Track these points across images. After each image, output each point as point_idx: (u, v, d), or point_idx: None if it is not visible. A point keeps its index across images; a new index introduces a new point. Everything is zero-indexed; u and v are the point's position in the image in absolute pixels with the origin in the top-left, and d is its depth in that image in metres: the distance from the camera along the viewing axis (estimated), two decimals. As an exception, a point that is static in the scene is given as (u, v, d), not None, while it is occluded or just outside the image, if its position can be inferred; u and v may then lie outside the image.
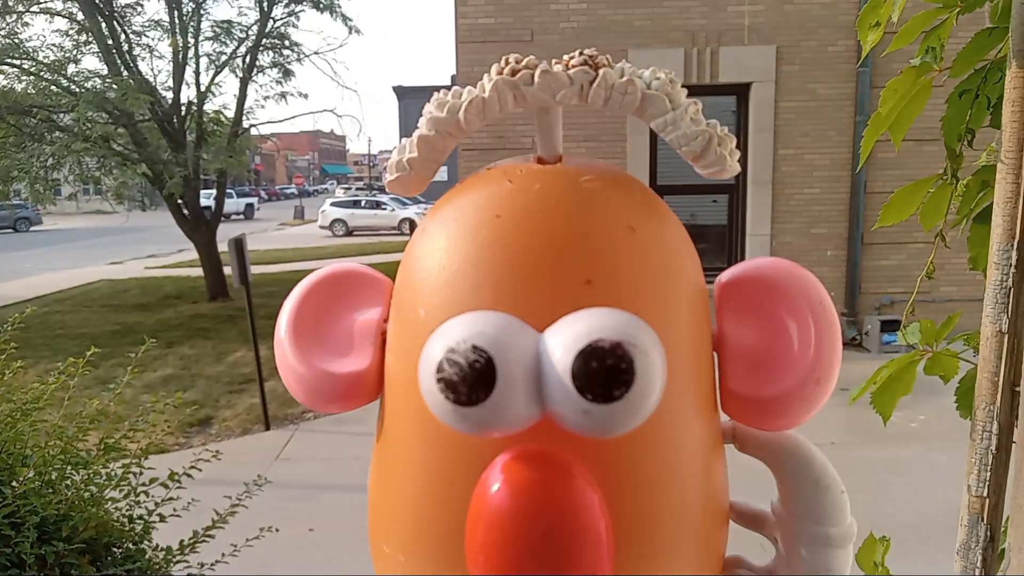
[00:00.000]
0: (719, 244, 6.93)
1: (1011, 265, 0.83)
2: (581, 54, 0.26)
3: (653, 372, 0.21)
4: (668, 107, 0.26)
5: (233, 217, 26.95)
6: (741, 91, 6.51)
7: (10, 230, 22.45)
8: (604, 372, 0.21)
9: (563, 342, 0.22)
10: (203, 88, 9.10)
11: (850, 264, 6.63)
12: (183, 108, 9.10)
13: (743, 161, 6.60)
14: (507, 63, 0.26)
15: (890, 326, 6.29)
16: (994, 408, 0.87)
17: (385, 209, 20.18)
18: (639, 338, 0.21)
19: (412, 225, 13.56)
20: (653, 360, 0.21)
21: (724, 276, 0.28)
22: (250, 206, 29.80)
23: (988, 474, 0.90)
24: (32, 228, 23.23)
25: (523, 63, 0.26)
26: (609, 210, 0.26)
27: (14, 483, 1.89)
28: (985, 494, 0.90)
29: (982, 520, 0.91)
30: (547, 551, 0.23)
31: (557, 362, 0.22)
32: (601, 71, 0.26)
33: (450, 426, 0.22)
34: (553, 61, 0.27)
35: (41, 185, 8.45)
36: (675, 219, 0.28)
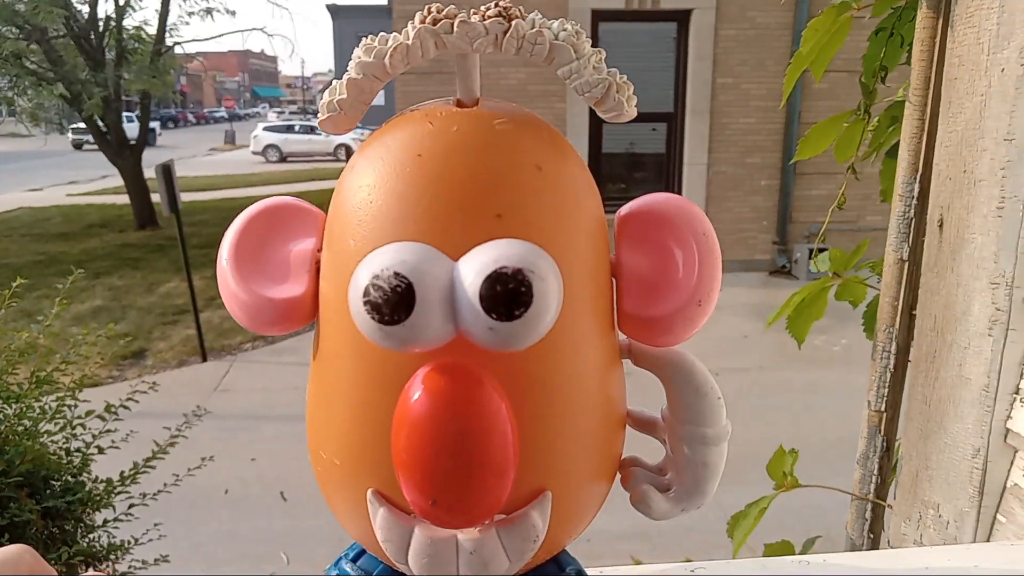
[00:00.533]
0: (657, 173, 7.00)
1: (913, 197, 0.88)
2: (496, 5, 0.28)
3: (549, 294, 0.24)
4: (573, 56, 0.28)
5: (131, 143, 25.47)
6: (681, 18, 6.48)
7: None
8: (506, 294, 0.24)
9: (473, 269, 0.25)
10: (121, 2, 8.59)
11: (782, 194, 6.80)
12: (101, 24, 8.58)
13: (682, 90, 6.62)
14: (428, 12, 0.28)
15: (818, 254, 6.50)
16: (893, 330, 0.93)
17: (320, 134, 19.65)
18: (538, 264, 0.24)
19: (348, 151, 13.24)
20: (549, 284, 0.24)
21: (623, 210, 0.32)
22: (151, 131, 27.53)
23: (886, 390, 0.97)
24: None
25: (443, 13, 0.28)
26: (519, 150, 0.29)
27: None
28: (883, 408, 0.98)
29: (879, 432, 0.99)
30: (461, 449, 0.26)
31: (468, 286, 0.25)
32: (514, 22, 0.28)
33: (376, 343, 0.25)
34: (471, 11, 0.29)
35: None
36: (579, 158, 0.31)
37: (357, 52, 0.29)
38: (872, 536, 0.94)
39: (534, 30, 0.28)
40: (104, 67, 8.29)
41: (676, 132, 6.78)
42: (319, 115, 0.30)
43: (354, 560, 0.34)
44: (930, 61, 0.85)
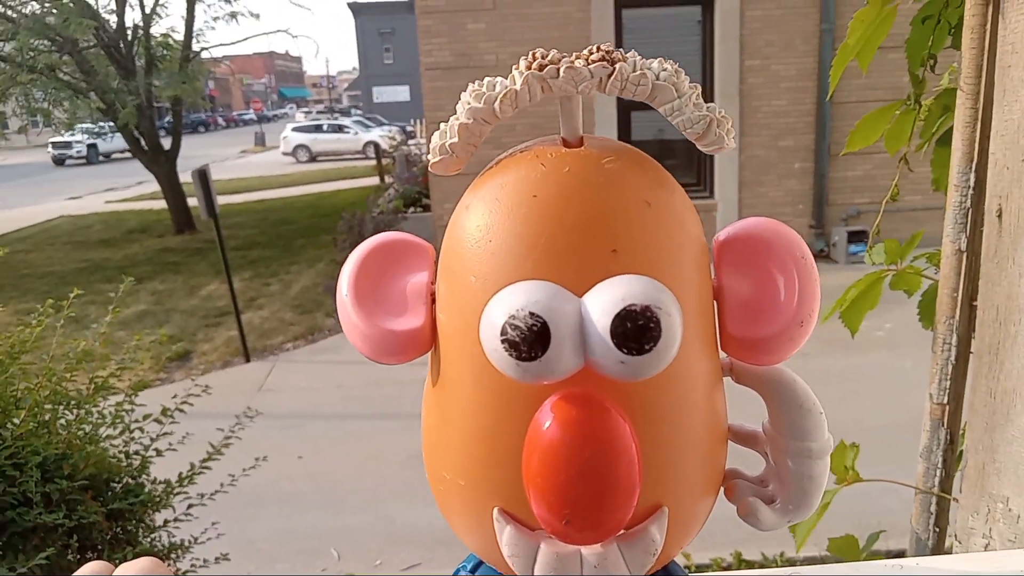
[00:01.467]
0: (687, 159, 6.94)
1: (969, 187, 0.88)
2: (599, 49, 0.30)
3: (675, 328, 0.26)
4: (675, 95, 0.30)
5: (115, 156, 23.18)
6: (705, 1, 6.41)
7: None
8: (637, 331, 0.26)
9: (601, 306, 0.26)
10: (148, 10, 8.73)
11: (817, 176, 6.70)
12: (129, 32, 8.72)
13: (710, 74, 6.55)
14: (534, 58, 0.30)
15: (857, 237, 6.39)
16: (953, 322, 0.93)
17: (348, 133, 19.76)
18: (662, 300, 0.26)
19: (377, 148, 13.24)
20: (674, 319, 0.26)
21: (721, 235, 0.33)
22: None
23: (948, 383, 0.96)
24: None
25: (548, 58, 0.30)
26: (628, 188, 0.30)
27: (10, 424, 1.92)
28: (945, 401, 0.97)
29: (943, 425, 0.98)
30: (594, 472, 0.28)
31: (597, 323, 0.26)
32: (617, 65, 0.29)
33: (511, 377, 0.28)
34: (575, 55, 0.31)
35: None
36: (680, 190, 0.33)
37: (466, 98, 0.31)
38: (938, 531, 0.95)
39: (637, 72, 0.29)
40: (135, 75, 8.43)
41: (706, 117, 6.71)
42: (431, 158, 0.32)
43: (472, 571, 0.36)
44: (981, 48, 0.85)
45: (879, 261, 1.02)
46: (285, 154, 19.97)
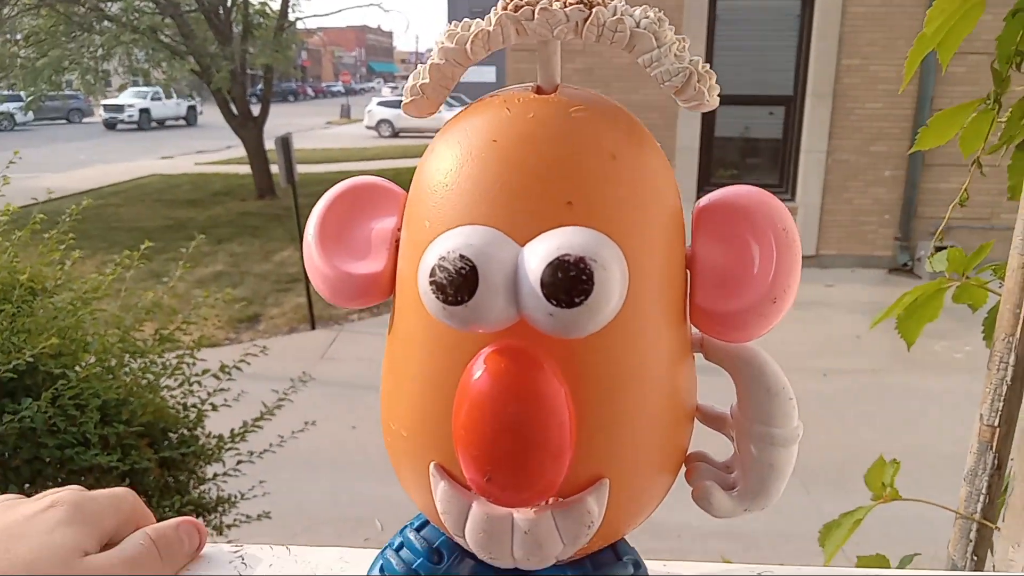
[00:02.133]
0: (771, 159, 6.75)
1: (1043, 195, 0.82)
2: (579, -7, 0.28)
3: (611, 284, 0.25)
4: (654, 44, 0.28)
5: (169, 123, 22.48)
6: (806, -5, 6.19)
7: (63, 121, 22.39)
8: (567, 282, 0.25)
9: (536, 255, 0.25)
10: (248, -22, 8.99)
11: (908, 185, 6.41)
12: (228, 0, 9.01)
13: (803, 72, 6.34)
14: (510, 0, 0.29)
15: (936, 253, 6.09)
16: (1013, 340, 0.87)
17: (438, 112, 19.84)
18: (601, 253, 0.25)
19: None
20: (612, 274, 0.25)
21: (702, 201, 0.31)
22: (192, 109, 22.89)
23: (1001, 404, 0.91)
24: (84, 120, 23.20)
25: (524, 0, 0.28)
26: (594, 138, 0.29)
27: (77, 367, 2.01)
28: (996, 423, 0.92)
29: (991, 449, 0.93)
30: (517, 429, 0.27)
31: (530, 272, 0.25)
32: (595, 9, 0.28)
33: (440, 321, 0.26)
34: (552, -1, 0.29)
35: (92, 76, 8.52)
36: (657, 148, 0.31)
37: (439, 38, 0.30)
38: (976, 559, 0.89)
39: (615, 17, 0.27)
40: (231, 41, 8.69)
41: (794, 116, 6.50)
42: (403, 98, 0.31)
43: (418, 529, 0.35)
44: (1072, 46, 0.79)
45: (941, 269, 0.97)
46: (369, 128, 20.29)
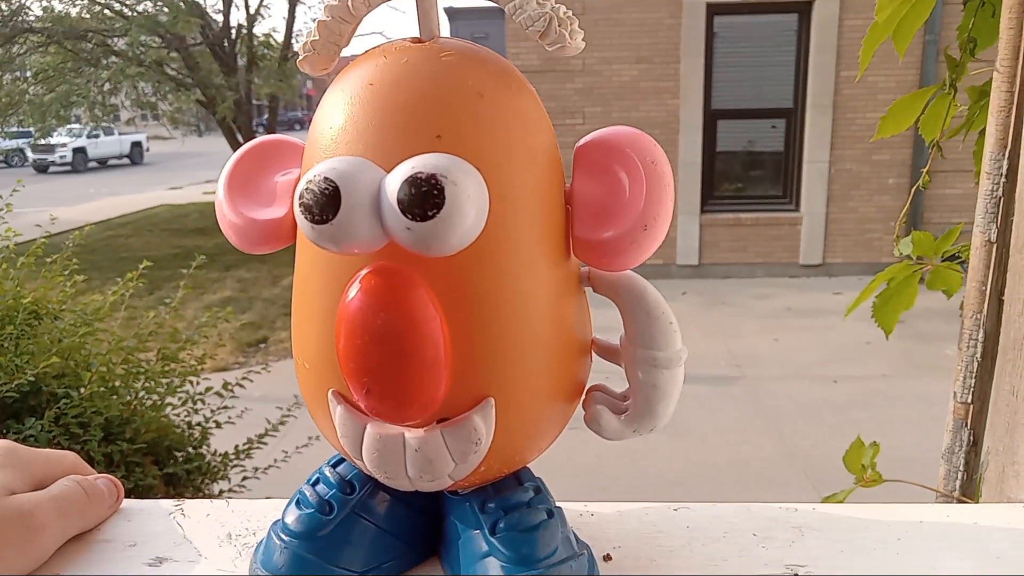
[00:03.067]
0: (775, 171, 6.76)
1: (1002, 174, 0.83)
2: (443, -53, 0.31)
3: (462, 199, 0.26)
4: (517, -8, 0.30)
5: (111, 163, 19.45)
6: (803, 8, 6.24)
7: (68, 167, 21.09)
8: (420, 196, 0.26)
9: (396, 175, 0.27)
10: (252, 11, 9.13)
11: (913, 194, 6.39)
12: (233, 31, 9.15)
13: (803, 84, 6.37)
14: (386, -43, 0.31)
15: (953, 260, 6.07)
16: (980, 316, 0.88)
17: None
18: (451, 171, 0.26)
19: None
20: (464, 189, 0.26)
21: (580, 142, 0.33)
22: (137, 146, 19.95)
23: (973, 381, 0.91)
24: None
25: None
26: (462, 79, 0.30)
27: (80, 387, 2.04)
28: (969, 400, 0.92)
29: (966, 426, 0.93)
30: (387, 340, 0.28)
31: (389, 191, 0.27)
32: (461, -38, 0.30)
33: (313, 242, 0.28)
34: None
35: (100, 110, 8.67)
36: (530, 93, 0.33)
37: (327, -1, 0.32)
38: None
39: (482, -33, 0.30)
40: (236, 72, 8.82)
41: (796, 128, 6.52)
42: (299, 58, 0.33)
43: (334, 466, 0.36)
44: (1019, 29, 0.80)
45: (907, 253, 0.97)
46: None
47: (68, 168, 17.75)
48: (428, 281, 0.29)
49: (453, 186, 0.26)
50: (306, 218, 0.27)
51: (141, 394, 2.29)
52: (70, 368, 2.07)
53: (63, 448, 1.93)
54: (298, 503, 0.34)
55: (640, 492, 3.05)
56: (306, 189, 0.27)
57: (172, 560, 0.36)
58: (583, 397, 0.36)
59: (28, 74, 8.81)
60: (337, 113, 0.31)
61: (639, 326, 0.33)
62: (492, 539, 0.32)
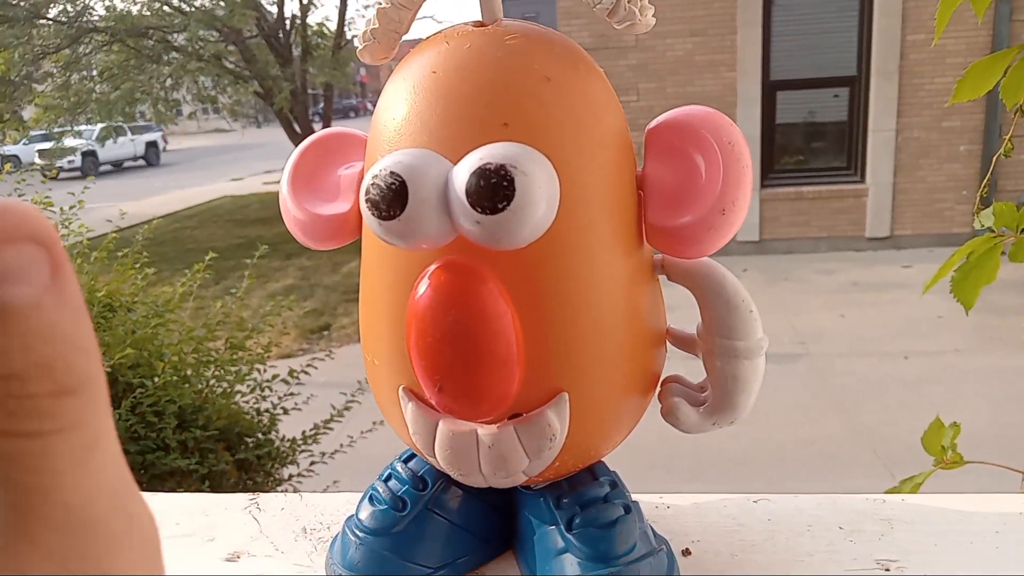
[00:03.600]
0: (838, 142, 6.55)
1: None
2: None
3: (533, 189, 0.25)
4: (583, -28, 0.29)
5: (127, 165, 18.02)
6: (864, -28, 6.00)
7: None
8: (489, 188, 0.25)
9: (463, 167, 0.26)
10: (305, 1, 9.24)
11: (985, 159, 6.13)
12: (287, 22, 9.27)
13: (866, 50, 6.14)
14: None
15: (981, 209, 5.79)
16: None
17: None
18: (522, 161, 0.25)
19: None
20: (534, 180, 0.25)
21: (652, 123, 0.32)
22: (152, 146, 18.66)
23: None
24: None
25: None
26: (528, 63, 0.29)
27: (154, 377, 2.11)
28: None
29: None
30: (458, 335, 0.28)
31: (457, 183, 0.26)
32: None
33: (381, 239, 0.27)
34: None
35: (163, 105, 8.90)
36: (598, 74, 0.31)
37: (386, -15, 0.31)
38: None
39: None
40: (291, 63, 8.95)
41: (860, 97, 6.30)
42: (359, 47, 0.33)
43: (405, 461, 0.36)
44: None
45: (988, 225, 0.92)
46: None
47: (78, 174, 15.86)
48: (498, 275, 0.28)
49: (524, 176, 0.25)
50: (373, 214, 0.27)
51: (212, 382, 2.35)
52: (144, 359, 2.14)
53: (140, 437, 2.01)
54: (371, 499, 0.34)
55: (704, 473, 3.01)
56: (372, 184, 0.26)
57: (249, 555, 0.36)
58: (658, 389, 0.35)
59: (94, 73, 9.08)
60: (400, 103, 0.30)
61: (718, 315, 0.32)
62: (568, 535, 0.31)
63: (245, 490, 2.34)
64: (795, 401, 3.76)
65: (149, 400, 2.04)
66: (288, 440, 2.44)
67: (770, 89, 6.31)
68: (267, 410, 2.42)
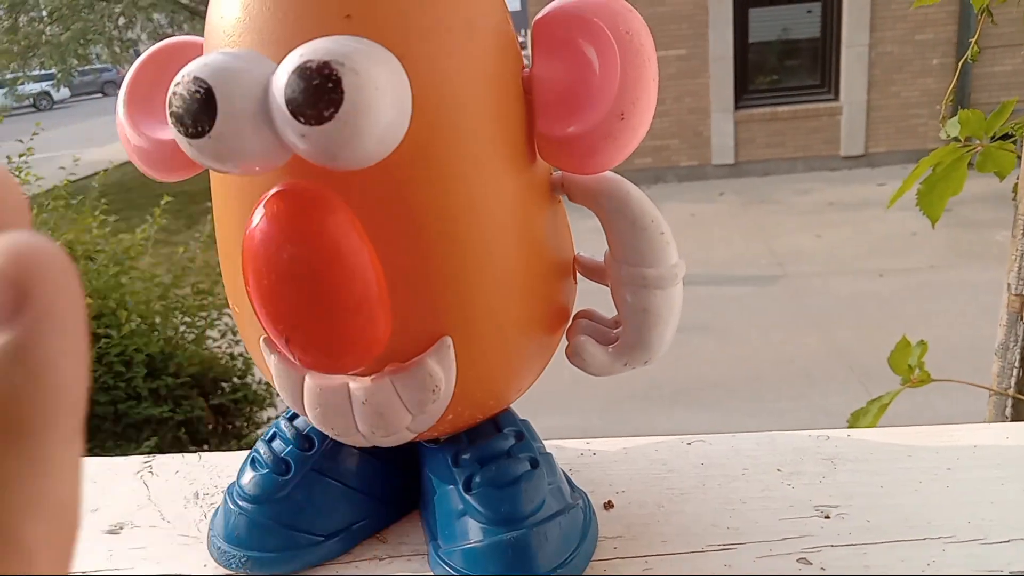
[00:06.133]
0: (812, 59, 6.44)
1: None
2: None
3: (368, 90, 0.20)
4: None
5: (86, 101, 17.34)
6: None
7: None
8: (310, 91, 0.20)
9: (283, 67, 0.21)
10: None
11: (959, 72, 6.06)
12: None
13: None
14: None
15: (1004, 140, 5.78)
16: (1036, 201, 0.81)
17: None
18: (353, 57, 0.20)
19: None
20: (368, 79, 0.20)
21: (539, 14, 0.26)
22: (111, 84, 17.71)
23: (1029, 271, 0.85)
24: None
25: None
26: None
27: (120, 326, 2.06)
28: (1024, 292, 0.86)
29: (1021, 319, 0.87)
30: (300, 275, 0.23)
31: (275, 88, 0.21)
32: None
33: (196, 161, 0.22)
34: None
35: (117, 45, 8.55)
36: None
37: None
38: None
39: None
40: None
41: (833, 11, 6.17)
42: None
43: (291, 419, 0.32)
44: None
45: (954, 135, 0.88)
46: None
47: (31, 110, 15.52)
48: (350, 201, 0.23)
49: (354, 75, 0.20)
50: (179, 131, 0.21)
51: (181, 329, 2.31)
52: (108, 308, 2.09)
53: (110, 387, 1.97)
54: (253, 463, 0.30)
55: (682, 396, 3.02)
56: (174, 94, 0.21)
57: (132, 526, 0.33)
58: (569, 324, 0.31)
59: (44, 14, 8.70)
60: (226, 4, 0.25)
61: (624, 239, 0.27)
62: (467, 496, 0.27)
63: (225, 435, 2.33)
64: (773, 322, 3.78)
65: (116, 350, 2.00)
66: (265, 383, 2.41)
67: (742, 6, 6.16)
68: (240, 354, 2.39)
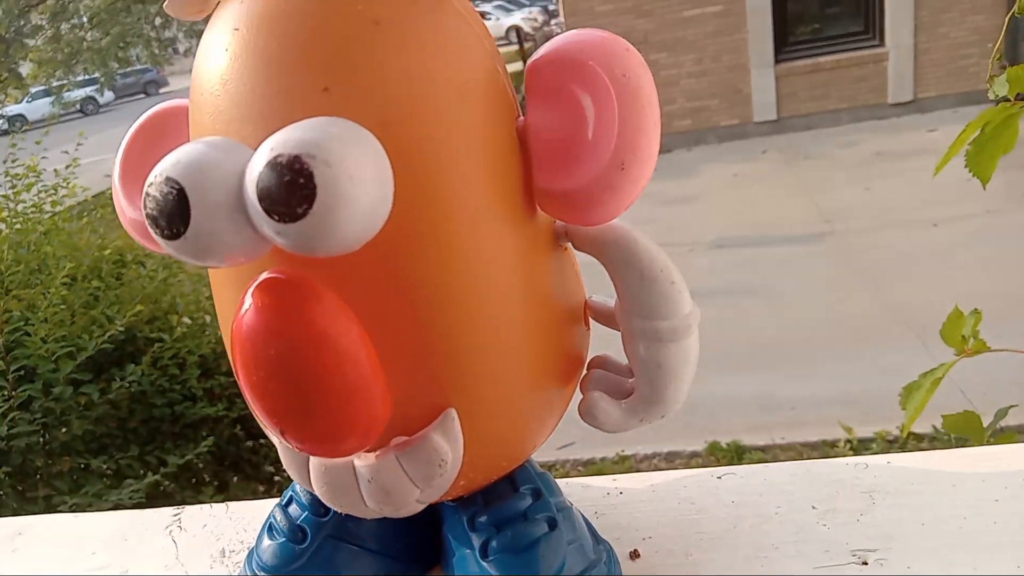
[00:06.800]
0: (855, 5, 6.22)
1: None
2: None
3: (341, 182, 0.19)
4: None
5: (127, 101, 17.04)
6: None
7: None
8: (282, 189, 0.19)
9: (256, 160, 0.20)
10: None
11: (1011, 6, 5.78)
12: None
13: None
14: None
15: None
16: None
17: (489, 19, 19.27)
18: (323, 147, 0.19)
19: (519, 32, 12.76)
20: (341, 169, 0.19)
21: (532, 58, 0.25)
22: (152, 83, 17.82)
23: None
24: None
25: None
26: (349, 5, 0.23)
27: (172, 329, 2.11)
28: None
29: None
30: (286, 370, 0.23)
31: (247, 182, 0.20)
32: None
33: (176, 258, 0.22)
34: None
35: (156, 46, 8.69)
36: (449, 6, 0.24)
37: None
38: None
39: None
40: None
41: (875, -48, 5.94)
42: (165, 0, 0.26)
43: (285, 507, 0.31)
44: None
45: (1003, 94, 0.84)
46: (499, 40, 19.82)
47: (79, 115, 15.44)
48: (339, 283, 0.23)
49: (326, 167, 0.19)
50: (155, 232, 0.21)
51: (231, 328, 2.36)
52: (160, 311, 2.14)
53: (166, 390, 2.02)
54: (270, 530, 0.30)
55: (733, 361, 2.98)
56: (147, 195, 0.20)
57: (162, 587, 0.33)
58: (584, 372, 0.30)
59: (84, 20, 8.88)
60: (208, 74, 0.24)
61: (633, 292, 0.26)
62: (484, 563, 0.27)
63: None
64: (822, 281, 3.70)
65: (169, 353, 2.05)
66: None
67: (780, -42, 5.97)
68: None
